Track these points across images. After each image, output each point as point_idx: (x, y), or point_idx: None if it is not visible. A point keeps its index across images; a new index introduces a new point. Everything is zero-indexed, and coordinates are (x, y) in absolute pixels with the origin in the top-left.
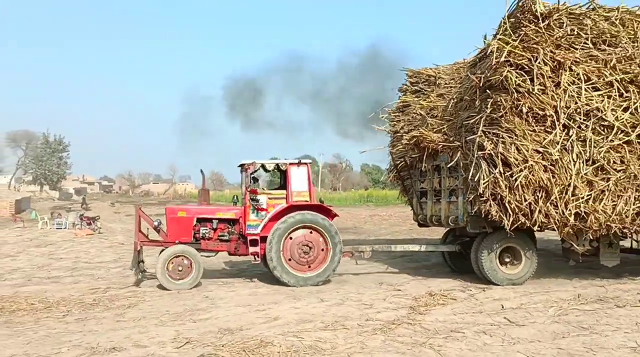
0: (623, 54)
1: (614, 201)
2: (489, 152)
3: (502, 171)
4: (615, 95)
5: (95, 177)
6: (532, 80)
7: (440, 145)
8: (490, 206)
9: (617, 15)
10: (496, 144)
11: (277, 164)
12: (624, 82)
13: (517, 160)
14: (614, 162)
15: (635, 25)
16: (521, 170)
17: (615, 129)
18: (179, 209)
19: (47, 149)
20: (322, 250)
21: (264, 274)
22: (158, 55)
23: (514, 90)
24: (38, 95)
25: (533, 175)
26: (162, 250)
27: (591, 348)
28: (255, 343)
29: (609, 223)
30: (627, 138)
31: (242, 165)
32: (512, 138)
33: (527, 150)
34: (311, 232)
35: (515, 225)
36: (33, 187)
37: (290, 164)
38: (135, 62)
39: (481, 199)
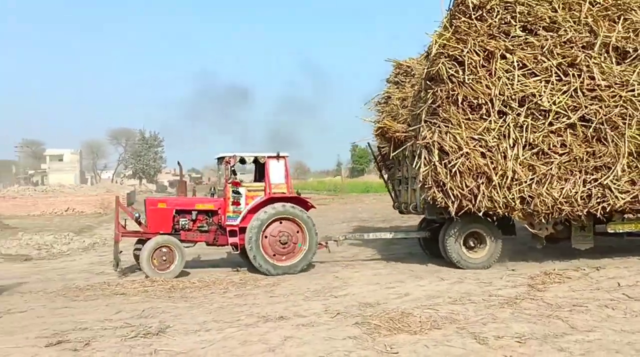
0: (563, 39)
1: (561, 185)
2: (426, 141)
3: (440, 159)
4: (554, 80)
5: (184, 170)
6: (465, 70)
7: (403, 136)
8: (434, 192)
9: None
10: (434, 133)
11: (255, 157)
12: (563, 67)
13: (452, 148)
14: (555, 146)
15: (583, 8)
16: (458, 158)
17: (554, 113)
18: (158, 200)
19: (144, 144)
20: (300, 240)
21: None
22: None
23: (448, 81)
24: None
25: (470, 162)
26: (137, 240)
27: None
28: (397, 314)
29: (558, 206)
30: (568, 121)
31: (221, 158)
32: (448, 127)
33: (463, 139)
34: (288, 223)
35: (462, 210)
36: (132, 180)
37: (269, 157)
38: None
39: (425, 186)
